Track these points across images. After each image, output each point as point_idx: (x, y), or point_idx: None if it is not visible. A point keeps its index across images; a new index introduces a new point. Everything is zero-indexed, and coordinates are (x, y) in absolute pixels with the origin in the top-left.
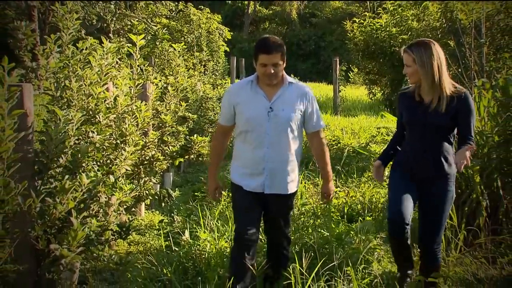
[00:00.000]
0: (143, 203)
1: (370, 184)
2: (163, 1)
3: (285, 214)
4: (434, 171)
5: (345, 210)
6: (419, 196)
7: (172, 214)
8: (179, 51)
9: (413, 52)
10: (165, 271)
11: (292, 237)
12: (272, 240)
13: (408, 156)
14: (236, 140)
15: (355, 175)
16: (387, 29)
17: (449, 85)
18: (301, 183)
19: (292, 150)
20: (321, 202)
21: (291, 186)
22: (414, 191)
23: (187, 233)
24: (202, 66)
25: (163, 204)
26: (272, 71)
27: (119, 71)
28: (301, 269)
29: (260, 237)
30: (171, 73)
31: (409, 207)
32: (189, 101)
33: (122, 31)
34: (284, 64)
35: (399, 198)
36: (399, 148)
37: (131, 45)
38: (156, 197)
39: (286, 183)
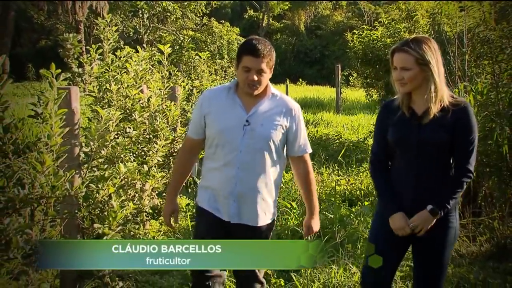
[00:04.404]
0: None
1: (367, 173)
2: (189, 16)
3: None
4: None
5: (346, 196)
6: (412, 242)
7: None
8: (204, 59)
9: (415, 49)
10: None
11: (300, 219)
12: (242, 285)
13: (398, 187)
14: (205, 157)
15: (354, 165)
16: (382, 39)
17: (447, 93)
18: None
19: (269, 175)
20: (306, 237)
21: (264, 218)
22: (400, 243)
23: None
24: (223, 72)
25: (189, 189)
26: (256, 79)
27: (151, 76)
28: None
29: None
30: (196, 77)
31: (389, 268)
32: None
33: (154, 42)
34: (270, 74)
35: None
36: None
37: (161, 54)
38: (184, 184)
39: (257, 213)
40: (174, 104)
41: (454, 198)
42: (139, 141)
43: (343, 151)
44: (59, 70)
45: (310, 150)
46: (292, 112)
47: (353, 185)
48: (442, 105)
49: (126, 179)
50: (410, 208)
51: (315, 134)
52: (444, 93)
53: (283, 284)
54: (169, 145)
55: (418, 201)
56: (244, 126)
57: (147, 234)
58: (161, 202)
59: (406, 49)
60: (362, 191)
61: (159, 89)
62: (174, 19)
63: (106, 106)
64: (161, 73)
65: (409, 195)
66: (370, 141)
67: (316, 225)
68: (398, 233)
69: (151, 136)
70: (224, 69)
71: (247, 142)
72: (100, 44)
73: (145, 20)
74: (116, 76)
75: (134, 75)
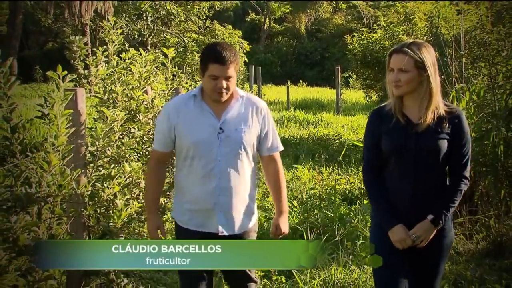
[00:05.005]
0: None
1: None
2: (193, 19)
3: None
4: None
5: (346, 194)
6: (409, 256)
7: None
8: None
9: (415, 52)
10: None
11: (301, 217)
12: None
13: (393, 195)
14: (178, 168)
15: (354, 165)
16: (381, 42)
17: (441, 100)
18: (308, 171)
19: (248, 177)
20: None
21: (248, 222)
22: (403, 264)
23: None
24: None
25: None
26: (225, 86)
27: (155, 78)
28: None
29: None
30: (199, 79)
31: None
32: None
33: (158, 44)
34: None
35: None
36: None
37: (165, 56)
38: None
39: (242, 219)
40: None
41: (452, 207)
42: (144, 141)
43: (343, 151)
44: (66, 72)
45: (281, 148)
46: (261, 111)
47: (353, 184)
48: (438, 112)
49: (130, 178)
50: (406, 216)
51: (316, 135)
52: (439, 100)
53: (284, 281)
54: None
55: (415, 208)
56: (218, 134)
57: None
58: (165, 201)
59: (406, 51)
60: (361, 190)
61: (163, 90)
62: (178, 22)
63: (111, 107)
64: (165, 75)
65: (405, 203)
66: None
67: (284, 225)
68: (399, 246)
69: None
70: None
71: (224, 150)
72: (105, 46)
73: (150, 23)
74: (121, 78)
75: (139, 76)
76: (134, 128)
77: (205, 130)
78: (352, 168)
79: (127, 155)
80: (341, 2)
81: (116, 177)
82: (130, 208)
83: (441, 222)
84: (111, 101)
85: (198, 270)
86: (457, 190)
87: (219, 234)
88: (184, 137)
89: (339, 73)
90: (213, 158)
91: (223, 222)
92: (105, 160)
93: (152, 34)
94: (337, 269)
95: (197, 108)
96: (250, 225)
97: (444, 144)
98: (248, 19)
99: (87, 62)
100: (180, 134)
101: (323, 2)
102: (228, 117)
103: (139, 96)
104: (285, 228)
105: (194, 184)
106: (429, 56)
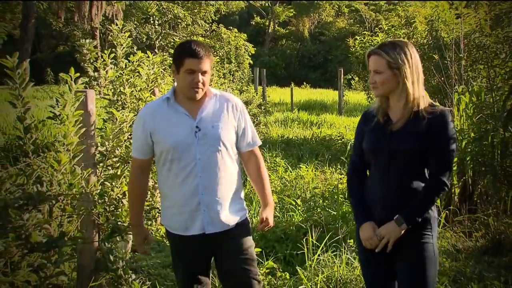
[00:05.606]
0: None
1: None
2: (199, 22)
3: (242, 259)
4: None
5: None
6: (393, 266)
7: None
8: (213, 63)
9: (387, 53)
10: None
11: (305, 215)
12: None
13: (371, 197)
14: (158, 173)
15: None
16: None
17: (424, 100)
18: (311, 170)
19: (230, 173)
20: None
21: (235, 217)
22: (388, 271)
23: None
24: (231, 75)
25: None
26: (201, 80)
27: (163, 79)
28: (313, 241)
29: None
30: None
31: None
32: None
33: (166, 47)
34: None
35: None
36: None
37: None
38: None
39: (231, 216)
40: None
41: (425, 210)
42: None
43: (346, 151)
44: (78, 74)
45: (259, 142)
46: (236, 107)
47: None
48: (418, 112)
49: None
50: (383, 218)
51: (319, 135)
52: (420, 100)
53: (288, 277)
54: None
55: (388, 210)
56: (195, 133)
57: (159, 230)
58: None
59: (379, 52)
60: None
61: None
62: (185, 26)
63: (120, 108)
64: (173, 77)
65: (383, 204)
66: None
67: (271, 218)
68: (366, 245)
69: None
70: (232, 73)
71: (202, 148)
72: (112, 49)
73: (157, 26)
74: (129, 80)
75: (146, 78)
76: None
77: (182, 131)
78: None
79: None
80: (344, 6)
81: (125, 176)
82: None
83: (405, 223)
84: (120, 102)
85: (194, 270)
86: (431, 193)
87: (206, 233)
88: (162, 141)
89: (342, 75)
90: (192, 157)
91: (208, 221)
92: (114, 159)
93: (160, 37)
94: (340, 266)
95: (171, 110)
96: (237, 221)
97: (418, 145)
98: (253, 23)
99: (96, 65)
100: (157, 139)
101: (326, 6)
102: (203, 115)
103: (147, 97)
104: (271, 221)
105: (175, 187)
106: (405, 55)
